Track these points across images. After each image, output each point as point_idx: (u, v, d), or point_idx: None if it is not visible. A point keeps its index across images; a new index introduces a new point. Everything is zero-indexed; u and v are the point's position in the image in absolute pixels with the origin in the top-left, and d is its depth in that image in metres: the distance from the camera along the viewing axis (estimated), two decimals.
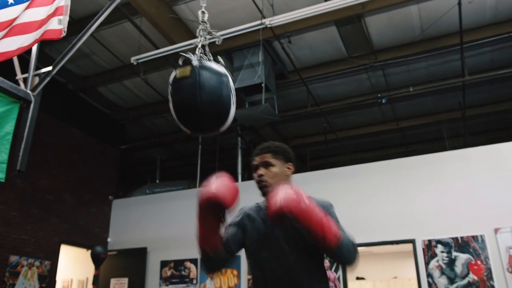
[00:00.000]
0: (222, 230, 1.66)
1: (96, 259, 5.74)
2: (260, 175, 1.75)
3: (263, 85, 5.70)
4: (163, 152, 9.29)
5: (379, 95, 6.38)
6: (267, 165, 1.76)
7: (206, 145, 8.29)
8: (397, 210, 5.55)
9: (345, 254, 1.53)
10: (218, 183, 1.58)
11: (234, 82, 6.87)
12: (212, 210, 1.58)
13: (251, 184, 6.87)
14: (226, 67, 2.04)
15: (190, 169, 9.11)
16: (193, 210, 7.20)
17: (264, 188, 1.75)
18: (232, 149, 8.33)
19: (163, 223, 7.02)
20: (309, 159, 8.96)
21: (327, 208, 1.68)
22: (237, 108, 7.02)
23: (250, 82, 5.77)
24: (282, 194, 1.49)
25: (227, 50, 6.09)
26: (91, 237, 6.98)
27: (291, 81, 6.70)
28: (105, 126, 7.84)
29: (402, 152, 8.54)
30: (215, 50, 6.18)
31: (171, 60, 5.77)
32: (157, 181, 8.97)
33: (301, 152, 9.11)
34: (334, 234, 1.50)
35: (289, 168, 1.81)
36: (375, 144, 8.92)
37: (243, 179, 7.51)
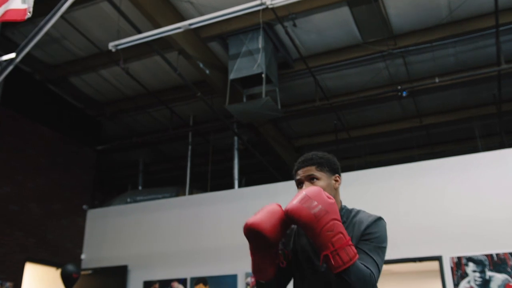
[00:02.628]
0: (277, 257, 1.79)
1: (67, 280, 5.71)
2: None
3: (263, 75, 5.68)
4: (146, 154, 9.28)
5: (399, 87, 6.36)
6: (312, 179, 1.85)
7: (197, 146, 8.29)
8: (421, 222, 5.54)
9: (354, 284, 1.59)
10: (260, 213, 1.73)
11: (229, 72, 6.86)
12: (256, 242, 1.72)
13: (249, 191, 6.91)
14: None
15: (179, 174, 9.11)
16: (182, 221, 7.21)
17: None
18: (227, 150, 8.33)
19: (147, 237, 7.01)
20: None
21: (372, 224, 1.77)
22: (233, 102, 7.02)
23: (248, 72, 5.77)
24: (296, 198, 1.64)
25: (221, 35, 6.08)
26: (62, 254, 6.96)
27: (296, 70, 6.69)
28: (78, 124, 7.83)
29: (426, 154, 8.53)
30: (207, 36, 6.23)
31: (156, 47, 5.76)
32: (140, 187, 8.96)
33: None
34: (341, 256, 1.57)
35: (336, 181, 1.90)
36: (395, 145, 8.91)
37: (240, 185, 7.50)
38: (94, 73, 7.04)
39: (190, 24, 5.15)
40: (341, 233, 1.60)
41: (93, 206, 7.75)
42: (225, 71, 6.35)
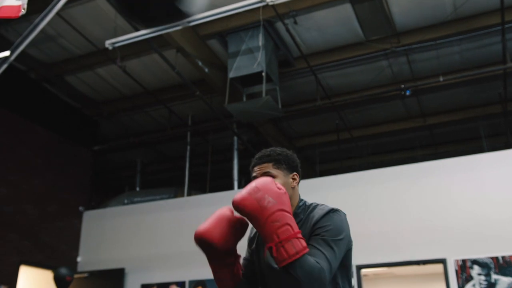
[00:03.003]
0: (234, 264, 1.79)
1: (60, 283, 5.67)
2: None
3: (263, 74, 5.68)
4: (144, 154, 9.27)
5: (403, 86, 6.35)
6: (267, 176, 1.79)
7: (195, 146, 8.28)
8: (424, 224, 5.53)
9: (301, 279, 1.54)
10: (209, 220, 1.73)
11: (229, 70, 6.85)
12: (208, 250, 1.73)
13: None
14: None
15: (177, 174, 9.11)
16: (181, 223, 7.22)
17: None
18: (226, 150, 8.32)
19: (144, 239, 7.00)
20: (318, 163, 8.95)
21: (322, 218, 1.71)
22: (233, 101, 7.02)
23: (248, 71, 5.77)
24: (244, 189, 1.61)
25: (220, 33, 6.08)
26: (57, 256, 6.96)
27: (297, 69, 6.69)
28: (75, 123, 7.82)
29: (430, 154, 8.52)
30: (206, 33, 6.22)
31: (154, 45, 5.75)
32: (137, 188, 8.95)
33: (309, 154, 9.09)
34: (286, 248, 1.52)
35: (294, 179, 1.85)
36: (398, 145, 8.90)
37: (239, 186, 7.49)
38: (91, 71, 7.03)
39: (189, 21, 5.14)
40: (289, 224, 1.55)
41: (89, 207, 7.74)
42: (224, 69, 6.35)
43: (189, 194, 7.58)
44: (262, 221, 1.55)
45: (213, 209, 6.75)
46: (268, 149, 1.88)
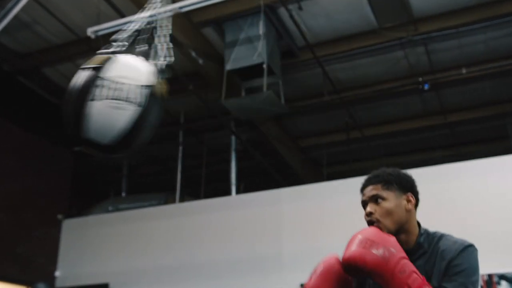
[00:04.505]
0: None
1: None
2: (369, 213, 1.82)
3: (264, 66, 5.68)
4: (131, 156, 9.25)
5: (420, 79, 6.34)
6: (376, 199, 1.83)
7: (188, 146, 8.26)
8: (444, 232, 5.51)
9: None
10: (315, 275, 1.77)
11: (226, 62, 6.86)
12: None
13: (249, 198, 6.86)
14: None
15: (168, 178, 9.08)
16: (172, 232, 7.18)
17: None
18: (224, 151, 8.30)
19: (131, 250, 6.99)
20: (325, 165, 8.93)
21: (459, 255, 1.73)
22: (231, 96, 7.02)
23: (247, 63, 5.77)
24: (352, 243, 1.65)
25: (216, 20, 6.07)
26: (33, 270, 6.94)
27: (302, 60, 6.68)
28: (53, 121, 7.79)
29: (451, 155, 8.50)
30: (200, 20, 6.21)
31: (142, 33, 5.73)
32: (123, 194, 8.95)
33: (315, 156, 9.08)
34: None
35: (408, 201, 1.85)
36: (415, 145, 8.90)
37: (238, 191, 7.48)
38: (71, 63, 7.00)
39: (181, 7, 5.13)
40: (415, 272, 1.60)
41: (69, 215, 7.72)
42: (221, 61, 6.34)
43: (181, 200, 7.57)
44: (389, 275, 1.57)
45: (208, 216, 6.76)
46: (379, 170, 1.92)
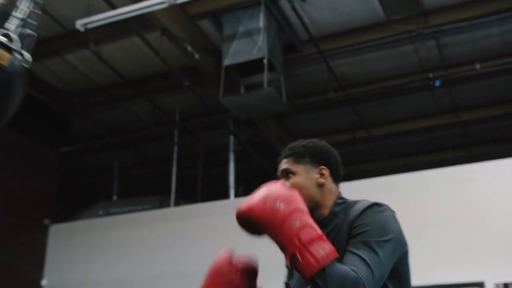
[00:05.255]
0: None
1: None
2: None
3: (265, 61, 5.67)
4: (123, 157, 9.26)
5: (431, 75, 6.32)
6: (288, 174, 1.83)
7: (184, 147, 8.25)
8: (458, 240, 5.50)
9: None
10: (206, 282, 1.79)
11: (224, 56, 6.85)
12: None
13: None
14: None
15: (162, 181, 9.07)
16: (166, 238, 7.14)
17: None
18: (221, 151, 8.30)
19: (123, 257, 6.98)
20: None
21: (360, 215, 1.65)
22: (229, 93, 6.99)
23: (246, 57, 5.76)
24: (246, 199, 1.62)
25: (213, 12, 6.06)
26: (18, 279, 6.92)
27: (305, 55, 6.68)
28: (39, 120, 7.79)
29: (464, 156, 8.50)
30: (196, 12, 6.19)
31: (134, 26, 5.72)
32: (115, 197, 8.95)
33: None
34: (313, 253, 1.47)
35: (321, 174, 1.82)
36: (425, 145, 8.90)
37: (236, 195, 7.47)
38: (59, 58, 7.02)
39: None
40: (310, 226, 1.51)
41: (57, 220, 7.72)
42: (218, 55, 6.32)
43: (176, 204, 7.57)
44: (278, 226, 1.51)
45: (205, 221, 6.75)
46: (294, 142, 1.89)
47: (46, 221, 7.51)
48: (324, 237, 1.51)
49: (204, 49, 6.45)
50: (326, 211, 1.79)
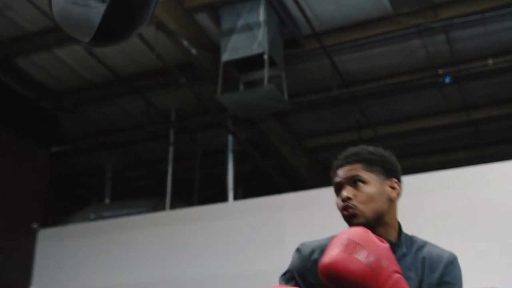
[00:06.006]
0: None
1: None
2: (346, 199, 1.69)
3: (265, 57, 5.68)
4: (116, 157, 9.26)
5: (441, 71, 6.32)
6: (355, 182, 1.71)
7: (180, 147, 8.25)
8: (469, 245, 5.49)
9: None
10: None
11: (222, 52, 6.86)
12: None
13: (247, 205, 6.81)
14: None
15: (157, 183, 9.06)
16: (161, 243, 7.12)
17: (352, 219, 1.69)
18: (219, 152, 8.29)
19: (116, 264, 6.97)
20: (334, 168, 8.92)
21: (443, 271, 1.67)
22: (227, 91, 7.00)
23: (246, 53, 5.78)
24: (334, 246, 1.50)
25: (211, 5, 6.06)
26: (4, 287, 6.91)
27: (308, 50, 6.68)
28: (28, 119, 7.79)
29: (475, 157, 8.50)
30: (193, 5, 6.17)
31: None
32: (107, 200, 8.94)
33: (322, 158, 9.06)
34: None
35: (393, 188, 1.74)
36: (434, 145, 8.90)
37: (235, 197, 7.47)
38: (48, 53, 7.01)
39: None
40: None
41: (46, 224, 7.71)
42: (216, 51, 6.33)
43: (172, 207, 7.56)
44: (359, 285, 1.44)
45: (202, 225, 6.74)
46: (357, 147, 1.80)
47: (35, 225, 7.50)
48: None
49: (201, 44, 6.45)
50: (392, 232, 1.72)
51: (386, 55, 6.88)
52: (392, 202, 1.72)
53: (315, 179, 8.86)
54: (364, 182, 1.69)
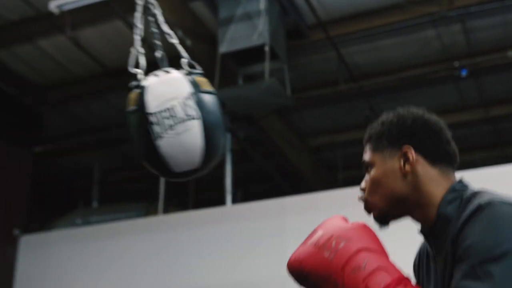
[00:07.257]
0: None
1: None
2: (361, 192, 1.56)
3: (266, 48, 5.68)
4: (104, 158, 9.27)
5: (456, 64, 6.33)
6: (367, 168, 1.53)
7: None
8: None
9: None
10: None
11: (219, 43, 6.87)
12: None
13: (247, 209, 6.85)
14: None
15: (149, 185, 9.08)
16: (154, 250, 7.17)
17: (371, 216, 1.55)
18: None
19: (104, 272, 6.99)
20: (341, 168, 8.94)
21: (464, 226, 1.30)
22: (225, 85, 7.02)
23: (245, 44, 5.79)
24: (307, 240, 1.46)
25: None
26: None
27: (313, 41, 6.69)
28: (8, 116, 7.80)
29: (494, 158, 8.52)
30: None
31: (117, 8, 5.73)
32: (95, 204, 8.95)
33: (328, 158, 9.08)
34: None
35: (406, 159, 1.46)
36: None
37: (234, 201, 7.47)
38: (30, 44, 7.02)
39: None
40: (381, 268, 1.29)
41: (28, 230, 7.72)
42: (213, 42, 6.35)
43: (166, 212, 7.57)
44: (337, 274, 1.30)
45: (198, 231, 6.79)
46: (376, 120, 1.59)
47: (16, 231, 7.51)
48: (407, 281, 1.29)
49: (197, 35, 6.46)
50: (432, 212, 1.44)
51: (397, 47, 6.90)
52: (411, 176, 1.45)
53: (319, 180, 8.88)
54: (371, 165, 1.51)
